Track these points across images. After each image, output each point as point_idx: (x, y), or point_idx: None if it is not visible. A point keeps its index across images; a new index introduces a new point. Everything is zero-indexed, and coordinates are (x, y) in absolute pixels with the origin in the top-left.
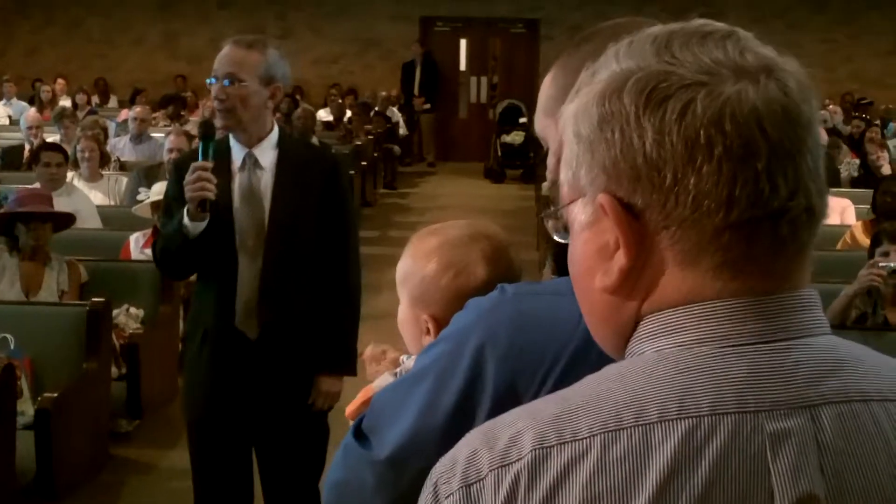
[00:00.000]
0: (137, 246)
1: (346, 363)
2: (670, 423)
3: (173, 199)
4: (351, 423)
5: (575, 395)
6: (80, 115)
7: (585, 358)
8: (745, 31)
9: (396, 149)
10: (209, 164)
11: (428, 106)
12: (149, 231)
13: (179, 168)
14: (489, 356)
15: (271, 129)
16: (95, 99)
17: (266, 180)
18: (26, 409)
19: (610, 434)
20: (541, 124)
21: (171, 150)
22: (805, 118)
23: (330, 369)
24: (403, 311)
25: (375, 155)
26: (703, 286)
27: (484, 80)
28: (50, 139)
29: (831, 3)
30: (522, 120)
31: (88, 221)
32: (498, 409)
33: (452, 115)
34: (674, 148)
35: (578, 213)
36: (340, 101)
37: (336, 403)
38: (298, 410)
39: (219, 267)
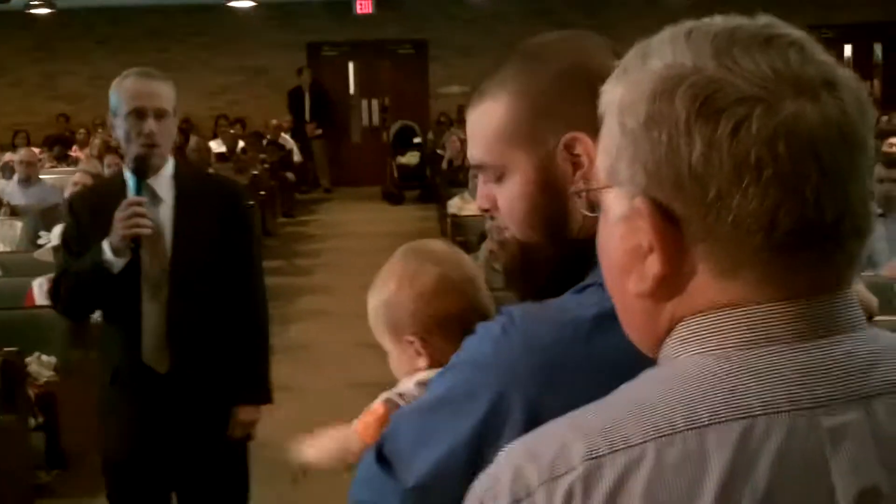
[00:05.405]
0: (42, 291)
1: (262, 392)
2: (724, 424)
3: (75, 238)
4: (361, 438)
5: (618, 402)
6: None
7: (599, 371)
8: (806, 35)
9: (291, 175)
10: (144, 199)
11: (320, 132)
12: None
13: (77, 205)
14: (508, 380)
15: (167, 160)
16: None
17: (166, 214)
18: None
19: (665, 438)
20: (497, 152)
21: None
22: (861, 139)
23: (247, 399)
24: (391, 352)
25: (272, 184)
26: (743, 295)
27: (375, 102)
28: None
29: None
30: (417, 140)
31: None
32: (528, 429)
33: (345, 140)
34: (721, 165)
35: (614, 204)
36: (232, 131)
37: (253, 433)
38: (217, 446)
39: (124, 303)
